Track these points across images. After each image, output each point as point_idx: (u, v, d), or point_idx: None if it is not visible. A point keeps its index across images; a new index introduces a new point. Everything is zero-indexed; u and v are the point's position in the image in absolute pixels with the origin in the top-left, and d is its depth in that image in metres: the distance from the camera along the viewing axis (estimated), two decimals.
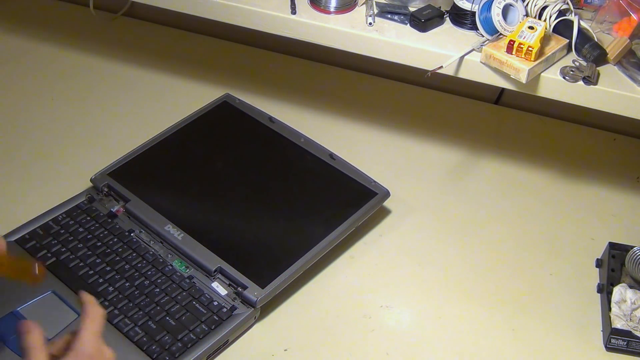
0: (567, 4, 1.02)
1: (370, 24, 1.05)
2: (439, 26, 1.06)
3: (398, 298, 1.06)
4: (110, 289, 0.98)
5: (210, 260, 1.02)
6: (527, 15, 1.02)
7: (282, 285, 1.01)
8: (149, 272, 1.02)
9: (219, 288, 1.00)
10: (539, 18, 1.02)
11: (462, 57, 1.01)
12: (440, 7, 1.07)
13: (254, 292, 0.99)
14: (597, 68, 0.99)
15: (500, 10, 1.00)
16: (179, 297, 1.00)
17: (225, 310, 0.98)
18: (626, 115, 0.99)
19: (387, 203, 1.15)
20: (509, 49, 0.97)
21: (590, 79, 0.98)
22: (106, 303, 0.96)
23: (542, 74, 0.99)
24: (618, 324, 1.00)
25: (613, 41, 1.00)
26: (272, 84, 1.39)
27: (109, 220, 1.09)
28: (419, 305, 1.06)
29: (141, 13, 1.51)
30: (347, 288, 1.07)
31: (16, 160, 1.22)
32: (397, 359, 0.99)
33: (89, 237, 1.06)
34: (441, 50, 1.02)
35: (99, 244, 1.05)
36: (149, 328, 0.96)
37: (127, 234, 1.07)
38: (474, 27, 1.04)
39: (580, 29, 1.00)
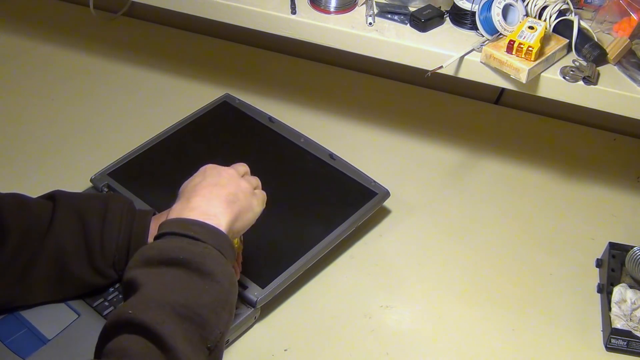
0: (567, 4, 1.02)
1: (370, 24, 1.05)
2: (439, 26, 1.06)
3: (398, 298, 1.06)
4: (111, 289, 0.98)
5: None
6: (527, 15, 1.02)
7: (282, 285, 1.01)
8: None
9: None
10: (539, 18, 1.02)
11: (462, 57, 1.01)
12: (440, 7, 1.07)
13: (253, 292, 0.99)
14: (597, 68, 0.99)
15: (500, 10, 1.00)
16: None
17: None
18: (626, 115, 0.99)
19: (387, 203, 1.15)
20: (509, 49, 0.97)
21: (590, 79, 0.98)
22: (106, 303, 0.96)
23: (542, 74, 0.99)
24: (618, 324, 1.00)
25: (613, 41, 1.00)
26: (272, 84, 1.39)
27: None
28: (419, 305, 1.06)
29: (141, 13, 1.51)
30: (347, 288, 1.07)
31: (16, 160, 1.22)
32: (397, 359, 0.99)
33: None
34: (441, 50, 1.02)
35: None
36: None
37: None
38: (474, 27, 1.04)
39: (580, 29, 1.00)
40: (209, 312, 0.74)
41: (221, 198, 0.83)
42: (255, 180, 0.92)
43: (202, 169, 0.89)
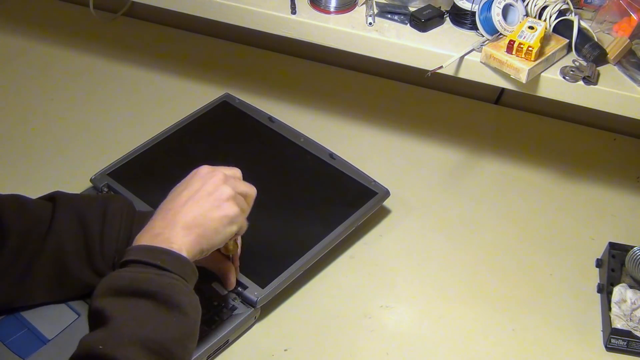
0: (567, 4, 1.02)
1: (370, 24, 1.05)
2: (439, 26, 1.06)
3: (398, 298, 1.06)
4: None
5: None
6: (527, 15, 1.02)
7: (282, 285, 1.01)
8: None
9: (219, 288, 1.00)
10: (539, 18, 1.02)
11: (462, 57, 1.01)
12: (440, 7, 1.07)
13: (254, 292, 0.99)
14: (597, 68, 0.99)
15: (500, 10, 1.00)
16: None
17: (225, 310, 0.98)
18: (626, 115, 0.99)
19: (387, 203, 1.15)
20: (509, 49, 0.97)
21: (590, 79, 0.98)
22: None
23: (542, 74, 0.99)
24: (618, 324, 1.00)
25: (613, 41, 1.00)
26: (272, 84, 1.39)
27: None
28: (419, 305, 1.06)
29: (141, 13, 1.51)
30: (347, 288, 1.07)
31: (16, 160, 1.22)
32: (397, 359, 0.99)
33: None
34: (441, 50, 1.02)
35: None
36: None
37: None
38: (474, 27, 1.04)
39: (580, 29, 1.00)
40: (177, 347, 0.75)
41: (186, 218, 0.83)
42: (249, 188, 0.90)
43: (193, 172, 0.89)
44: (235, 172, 0.91)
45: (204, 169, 0.89)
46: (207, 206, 0.84)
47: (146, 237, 0.82)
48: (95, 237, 0.91)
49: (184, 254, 0.81)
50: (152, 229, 0.83)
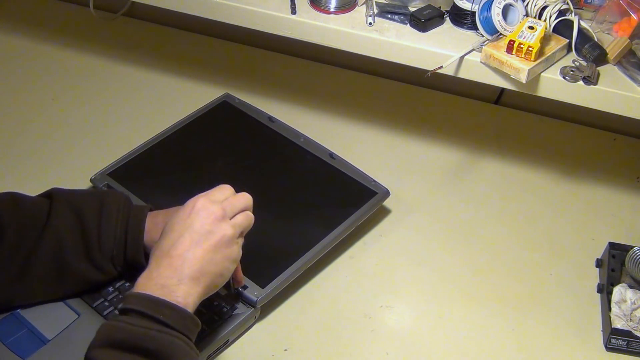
0: (567, 4, 1.02)
1: (370, 24, 1.05)
2: (439, 26, 1.06)
3: (398, 298, 1.06)
4: (110, 289, 0.98)
5: None
6: (527, 15, 1.02)
7: (282, 285, 1.01)
8: None
9: (219, 288, 1.00)
10: (539, 18, 1.02)
11: (462, 57, 1.01)
12: (440, 7, 1.07)
13: (254, 292, 0.99)
14: (597, 68, 0.99)
15: (500, 10, 1.00)
16: None
17: (225, 310, 0.98)
18: (626, 115, 0.99)
19: (387, 203, 1.15)
20: (509, 49, 0.97)
21: (590, 79, 0.98)
22: (106, 303, 0.96)
23: (542, 74, 0.99)
24: (618, 324, 1.00)
25: (613, 41, 1.00)
26: (272, 84, 1.39)
27: None
28: (419, 305, 1.06)
29: (141, 13, 1.51)
30: (347, 288, 1.07)
31: (16, 160, 1.22)
32: (397, 359, 0.99)
33: None
34: (441, 50, 1.02)
35: None
36: None
37: None
38: (474, 27, 1.04)
39: (580, 29, 1.00)
40: None
41: (194, 268, 0.81)
42: (247, 221, 0.88)
43: (189, 206, 0.85)
44: (242, 199, 0.89)
45: (200, 203, 0.85)
46: (211, 249, 0.83)
47: (151, 286, 0.79)
48: (93, 230, 0.91)
49: (190, 306, 0.80)
50: (159, 278, 0.80)
